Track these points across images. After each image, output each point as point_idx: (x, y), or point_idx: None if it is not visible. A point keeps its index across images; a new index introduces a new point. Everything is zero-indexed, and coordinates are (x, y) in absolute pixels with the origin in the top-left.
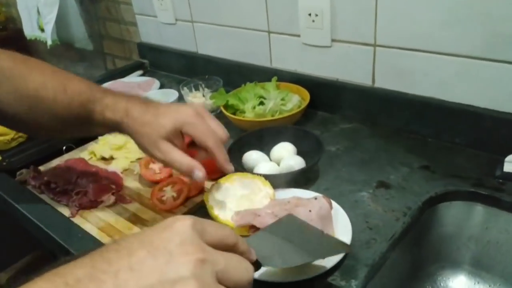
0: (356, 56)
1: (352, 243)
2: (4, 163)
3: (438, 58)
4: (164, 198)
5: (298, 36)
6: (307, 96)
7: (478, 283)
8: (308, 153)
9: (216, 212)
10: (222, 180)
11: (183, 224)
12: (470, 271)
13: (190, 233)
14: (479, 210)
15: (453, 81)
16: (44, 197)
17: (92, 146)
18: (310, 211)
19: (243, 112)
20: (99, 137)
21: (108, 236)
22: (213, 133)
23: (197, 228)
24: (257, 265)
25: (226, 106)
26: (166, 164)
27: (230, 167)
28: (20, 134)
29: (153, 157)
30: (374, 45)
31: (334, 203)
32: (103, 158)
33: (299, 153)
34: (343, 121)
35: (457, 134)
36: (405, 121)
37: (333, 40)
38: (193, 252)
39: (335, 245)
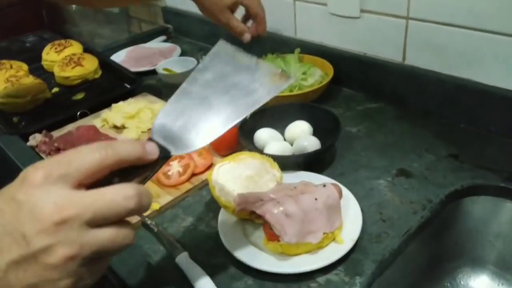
0: (386, 29)
1: (361, 236)
2: (20, 126)
3: (477, 35)
4: (170, 172)
5: (325, 5)
6: (331, 70)
7: (502, 284)
8: (326, 133)
9: (218, 192)
10: (228, 159)
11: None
12: (494, 272)
13: (44, 195)
14: (509, 207)
15: (493, 62)
16: None
17: (105, 113)
18: (316, 199)
19: None
20: (113, 105)
21: None
22: (262, 6)
23: (56, 176)
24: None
25: None
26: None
27: (265, 34)
28: (38, 96)
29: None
30: (407, 18)
31: (346, 191)
32: (115, 127)
33: (316, 133)
34: (368, 100)
35: (492, 121)
36: (436, 104)
37: (362, 11)
38: (49, 216)
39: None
